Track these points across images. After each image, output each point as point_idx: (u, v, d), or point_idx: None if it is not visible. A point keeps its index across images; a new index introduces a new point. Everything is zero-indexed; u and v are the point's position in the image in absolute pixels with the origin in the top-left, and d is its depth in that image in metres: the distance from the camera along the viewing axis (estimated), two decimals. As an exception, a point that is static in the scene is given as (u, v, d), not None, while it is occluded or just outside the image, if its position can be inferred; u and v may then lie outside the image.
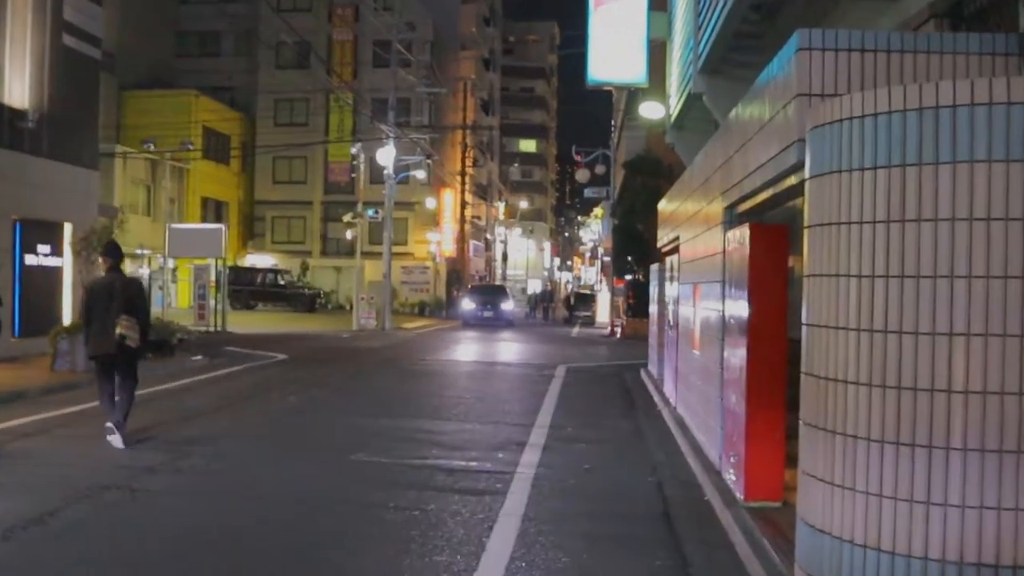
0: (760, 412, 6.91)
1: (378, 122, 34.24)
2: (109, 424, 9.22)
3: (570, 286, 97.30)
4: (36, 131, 18.32)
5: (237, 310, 43.55)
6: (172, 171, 44.58)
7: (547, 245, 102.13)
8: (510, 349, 24.99)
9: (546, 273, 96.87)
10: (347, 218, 35.00)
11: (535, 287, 68.28)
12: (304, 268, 51.30)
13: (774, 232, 7.02)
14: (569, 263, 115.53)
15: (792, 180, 5.76)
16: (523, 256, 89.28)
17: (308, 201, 52.69)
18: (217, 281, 29.92)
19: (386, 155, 32.88)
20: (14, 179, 17.67)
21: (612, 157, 35.17)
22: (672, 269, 13.51)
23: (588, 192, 41.22)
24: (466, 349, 24.73)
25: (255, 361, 19.22)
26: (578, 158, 38.45)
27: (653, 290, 17.49)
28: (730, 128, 8.29)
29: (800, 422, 5.01)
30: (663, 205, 15.76)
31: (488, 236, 70.25)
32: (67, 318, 18.36)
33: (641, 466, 8.93)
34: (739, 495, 7.10)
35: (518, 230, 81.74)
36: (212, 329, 28.51)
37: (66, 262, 19.05)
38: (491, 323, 36.84)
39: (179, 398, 13.09)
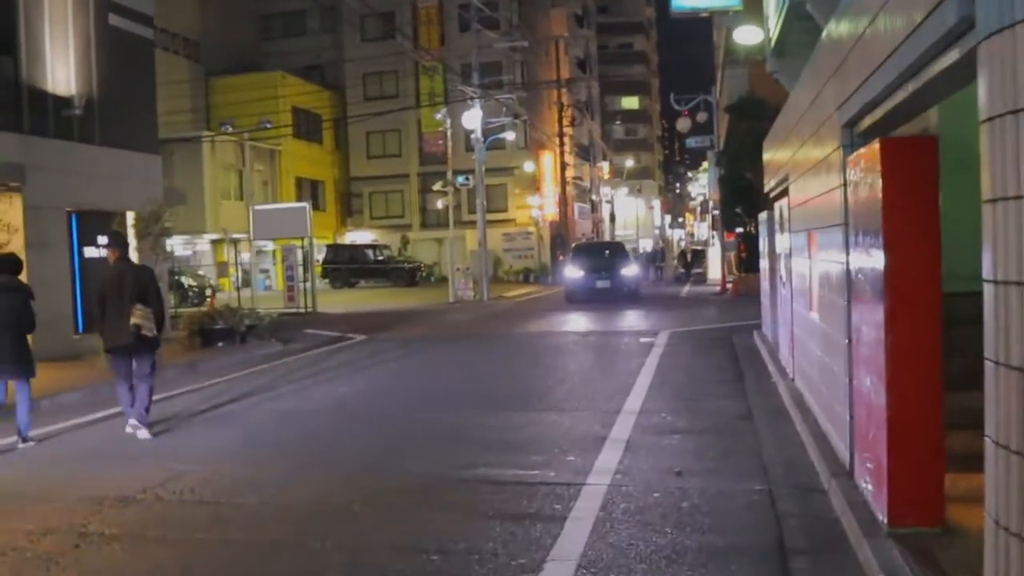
0: (907, 403, 4.91)
1: (464, 85, 32.36)
2: (130, 426, 9.04)
3: (683, 243, 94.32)
4: (85, 118, 17.20)
5: (338, 288, 42.89)
6: (263, 153, 44.05)
7: (656, 203, 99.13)
8: (609, 315, 23.03)
9: (657, 231, 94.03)
10: (437, 187, 33.46)
11: (646, 246, 65.59)
12: (404, 242, 50.21)
13: (916, 147, 4.95)
14: (680, 220, 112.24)
15: (951, 57, 3.71)
16: (632, 216, 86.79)
17: (404, 174, 51.39)
18: (305, 260, 28.79)
19: (472, 118, 31.08)
20: (64, 170, 16.59)
21: (714, 103, 32.60)
22: (781, 216, 11.42)
23: (691, 142, 38.50)
24: (560, 318, 22.87)
25: (330, 345, 17.83)
26: (680, 108, 35.94)
27: (763, 242, 15.47)
28: (844, 18, 6.22)
29: (986, 440, 3.06)
30: (767, 144, 13.62)
31: (594, 197, 67.97)
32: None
33: (748, 467, 6.97)
34: (881, 516, 5.11)
35: (625, 189, 79.06)
36: (303, 310, 27.46)
37: (130, 251, 17.95)
38: (606, 296, 26.73)
39: (211, 396, 11.67)
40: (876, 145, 5.00)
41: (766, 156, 13.87)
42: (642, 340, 16.04)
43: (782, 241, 11.42)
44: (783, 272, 11.49)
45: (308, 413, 10.22)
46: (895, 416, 4.95)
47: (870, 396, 5.39)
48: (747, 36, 14.42)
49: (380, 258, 44.78)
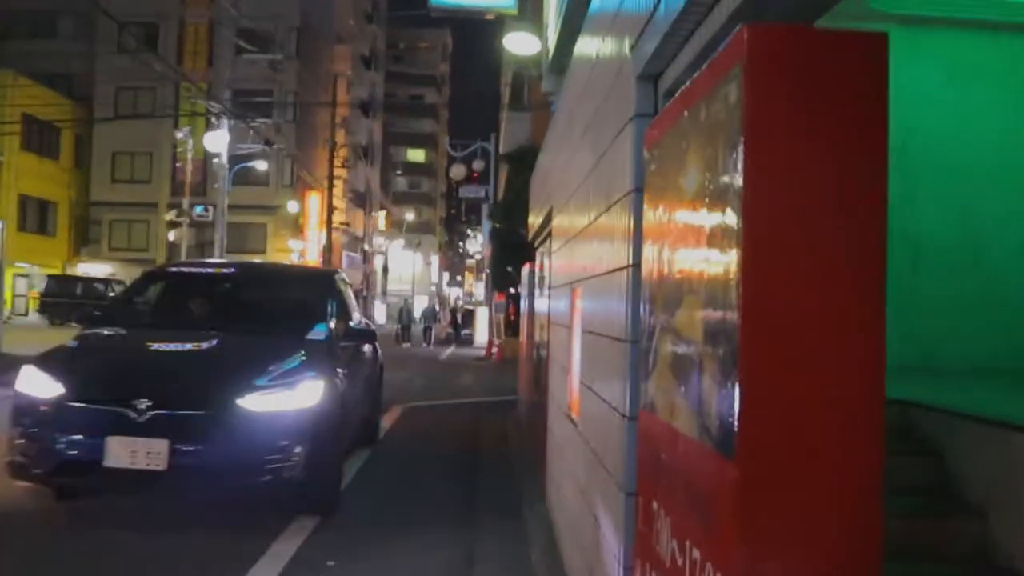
0: None
1: (208, 103, 28.27)
2: None
3: (459, 302, 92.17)
4: None
5: (57, 325, 37.16)
6: (-22, 161, 38.07)
7: (435, 259, 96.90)
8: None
9: (433, 288, 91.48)
10: (169, 216, 29.06)
11: (422, 303, 62.19)
12: (147, 279, 44.80)
13: (843, 45, 1.93)
14: (459, 278, 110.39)
15: None
16: (409, 270, 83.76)
17: (153, 203, 45.97)
18: (-7, 289, 23.64)
19: (217, 140, 26.99)
20: None
21: (492, 151, 30.16)
22: (542, 266, 8.47)
23: (463, 192, 35.80)
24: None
25: None
26: (456, 155, 33.23)
27: (524, 302, 12.62)
28: None
29: None
30: (533, 181, 10.81)
31: (366, 247, 64.52)
32: None
33: None
34: None
35: (401, 242, 76.17)
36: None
37: None
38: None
39: None
40: (742, 34, 1.93)
41: (533, 190, 11.07)
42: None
43: (542, 302, 8.45)
44: (538, 339, 8.54)
45: None
46: None
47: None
48: (521, 45, 11.58)
49: (111, 294, 39.40)
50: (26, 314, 42.15)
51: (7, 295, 41.46)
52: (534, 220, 10.23)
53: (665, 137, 2.66)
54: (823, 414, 1.84)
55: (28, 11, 47.48)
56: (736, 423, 1.81)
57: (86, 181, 46.81)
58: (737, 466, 1.82)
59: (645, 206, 2.92)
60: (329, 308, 7.93)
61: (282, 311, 8.06)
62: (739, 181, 1.89)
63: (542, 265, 8.52)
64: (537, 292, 9.33)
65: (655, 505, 2.70)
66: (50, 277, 41.12)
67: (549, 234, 7.83)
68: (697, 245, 2.24)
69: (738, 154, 1.90)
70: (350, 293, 9.76)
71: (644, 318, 3.00)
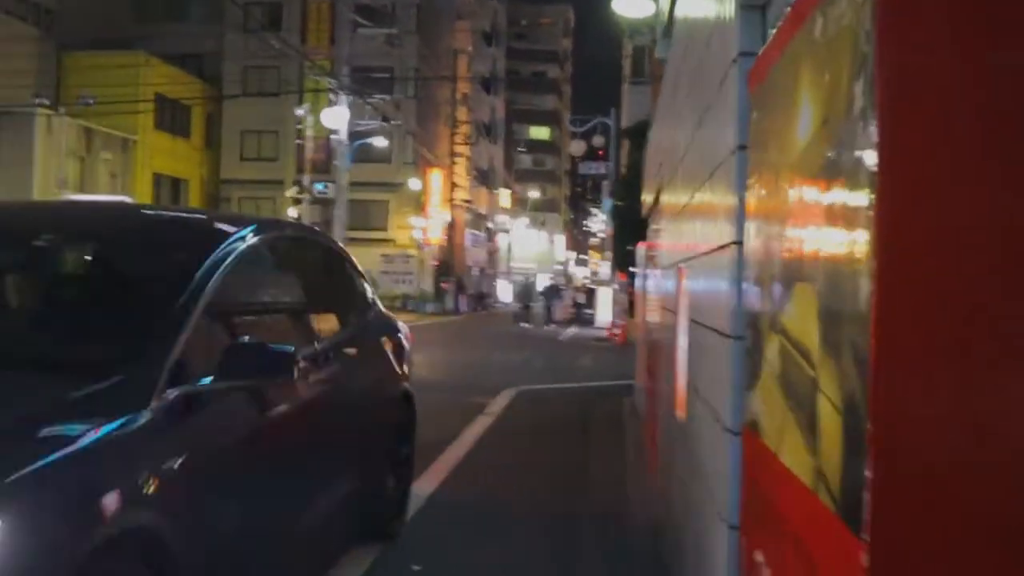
0: None
1: (322, 76, 28.30)
2: None
3: (584, 280, 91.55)
4: None
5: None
6: (114, 141, 39.26)
7: (560, 238, 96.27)
8: (453, 360, 19.17)
9: (559, 267, 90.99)
10: (290, 193, 29.27)
11: (544, 281, 61.51)
12: (273, 255, 45.57)
13: None
14: (584, 257, 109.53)
15: None
16: (533, 249, 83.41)
17: (279, 180, 46.75)
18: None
19: (335, 117, 26.99)
20: None
21: (613, 126, 29.29)
22: (654, 243, 7.82)
23: (583, 169, 34.96)
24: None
25: None
26: (576, 130, 32.49)
27: (638, 282, 12.04)
28: None
29: None
30: (646, 153, 10.14)
31: (490, 225, 64.44)
32: None
33: None
34: None
35: (524, 220, 75.83)
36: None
37: None
38: None
39: None
40: None
41: (645, 173, 10.42)
42: (471, 403, 11.90)
43: (652, 283, 7.80)
44: (653, 327, 7.88)
45: None
46: None
47: None
48: (631, 7, 10.76)
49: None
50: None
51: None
52: (646, 197, 9.58)
53: (772, 72, 2.01)
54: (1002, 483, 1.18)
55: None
56: (868, 493, 1.17)
57: (216, 159, 47.94)
58: (868, 552, 1.18)
59: (749, 166, 2.27)
60: (184, 308, 3.26)
61: (91, 317, 3.55)
62: (872, 115, 1.24)
63: (653, 243, 7.88)
64: (649, 272, 8.68)
65: (759, 557, 2.07)
66: (181, 255, 42.30)
67: (658, 210, 7.18)
68: (809, 213, 1.59)
69: (868, 72, 1.25)
70: (344, 267, 5.47)
71: (748, 308, 2.38)
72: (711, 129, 3.32)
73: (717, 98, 3.13)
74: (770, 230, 1.98)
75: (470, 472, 7.58)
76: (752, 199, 2.32)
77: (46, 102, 29.73)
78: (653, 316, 7.57)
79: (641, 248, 11.57)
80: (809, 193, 1.63)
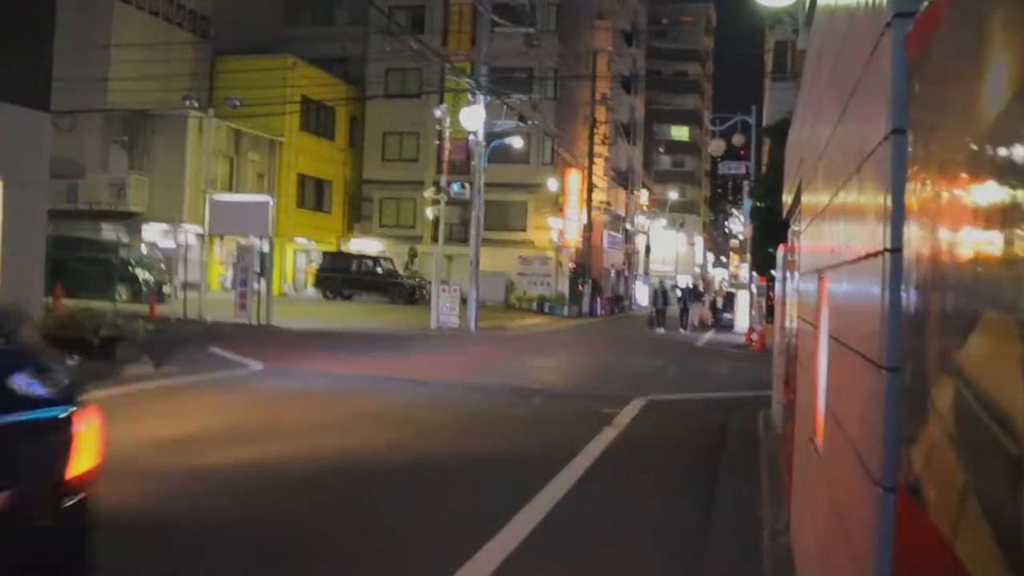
0: None
1: (461, 77, 28.27)
2: None
3: (723, 284, 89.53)
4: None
5: (329, 299, 39.12)
6: (261, 142, 40.48)
7: (699, 240, 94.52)
8: (585, 365, 18.70)
9: (697, 269, 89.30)
10: (428, 194, 29.40)
11: (684, 283, 59.90)
12: (412, 255, 46.07)
13: None
14: (724, 259, 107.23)
15: None
16: (672, 251, 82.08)
17: (419, 181, 47.26)
18: (263, 264, 24.70)
19: (472, 117, 26.93)
20: None
21: (753, 124, 28.23)
22: (795, 246, 7.20)
23: (723, 168, 33.95)
24: (531, 364, 18.56)
25: (213, 372, 13.84)
26: (715, 129, 31.57)
27: (777, 287, 11.40)
28: None
29: None
30: (786, 151, 9.48)
31: (628, 227, 63.55)
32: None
33: None
34: None
35: (663, 221, 74.58)
36: (254, 322, 23.38)
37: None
38: None
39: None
40: None
41: (785, 172, 9.77)
42: (595, 414, 11.39)
43: (792, 289, 7.19)
44: (787, 331, 7.27)
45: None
46: None
47: None
48: (776, -5, 10.08)
49: (379, 271, 40.80)
50: (304, 288, 44.53)
51: (288, 269, 44.05)
52: (787, 197, 8.93)
53: (940, 33, 1.52)
54: None
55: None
56: None
57: (359, 160, 48.83)
58: None
59: (910, 155, 1.78)
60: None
61: None
62: None
63: (793, 246, 7.27)
64: (788, 277, 8.07)
65: None
66: (325, 253, 43.28)
67: (799, 211, 6.58)
68: (1006, 215, 1.11)
69: None
70: None
71: (910, 334, 1.89)
72: (858, 114, 2.81)
73: (865, 76, 2.61)
74: (941, 235, 1.50)
75: (574, 506, 6.82)
76: (914, 196, 1.82)
77: (195, 104, 30.65)
78: (792, 324, 6.97)
79: (780, 251, 10.92)
80: (1004, 189, 1.15)
